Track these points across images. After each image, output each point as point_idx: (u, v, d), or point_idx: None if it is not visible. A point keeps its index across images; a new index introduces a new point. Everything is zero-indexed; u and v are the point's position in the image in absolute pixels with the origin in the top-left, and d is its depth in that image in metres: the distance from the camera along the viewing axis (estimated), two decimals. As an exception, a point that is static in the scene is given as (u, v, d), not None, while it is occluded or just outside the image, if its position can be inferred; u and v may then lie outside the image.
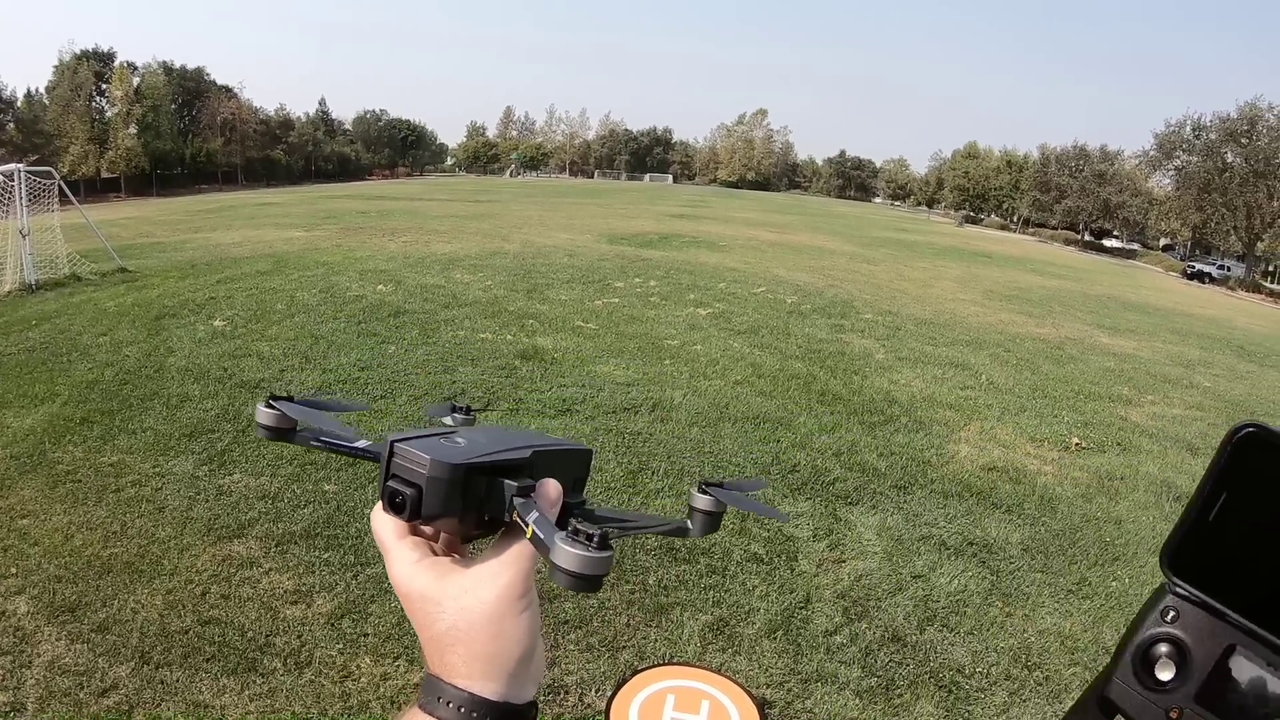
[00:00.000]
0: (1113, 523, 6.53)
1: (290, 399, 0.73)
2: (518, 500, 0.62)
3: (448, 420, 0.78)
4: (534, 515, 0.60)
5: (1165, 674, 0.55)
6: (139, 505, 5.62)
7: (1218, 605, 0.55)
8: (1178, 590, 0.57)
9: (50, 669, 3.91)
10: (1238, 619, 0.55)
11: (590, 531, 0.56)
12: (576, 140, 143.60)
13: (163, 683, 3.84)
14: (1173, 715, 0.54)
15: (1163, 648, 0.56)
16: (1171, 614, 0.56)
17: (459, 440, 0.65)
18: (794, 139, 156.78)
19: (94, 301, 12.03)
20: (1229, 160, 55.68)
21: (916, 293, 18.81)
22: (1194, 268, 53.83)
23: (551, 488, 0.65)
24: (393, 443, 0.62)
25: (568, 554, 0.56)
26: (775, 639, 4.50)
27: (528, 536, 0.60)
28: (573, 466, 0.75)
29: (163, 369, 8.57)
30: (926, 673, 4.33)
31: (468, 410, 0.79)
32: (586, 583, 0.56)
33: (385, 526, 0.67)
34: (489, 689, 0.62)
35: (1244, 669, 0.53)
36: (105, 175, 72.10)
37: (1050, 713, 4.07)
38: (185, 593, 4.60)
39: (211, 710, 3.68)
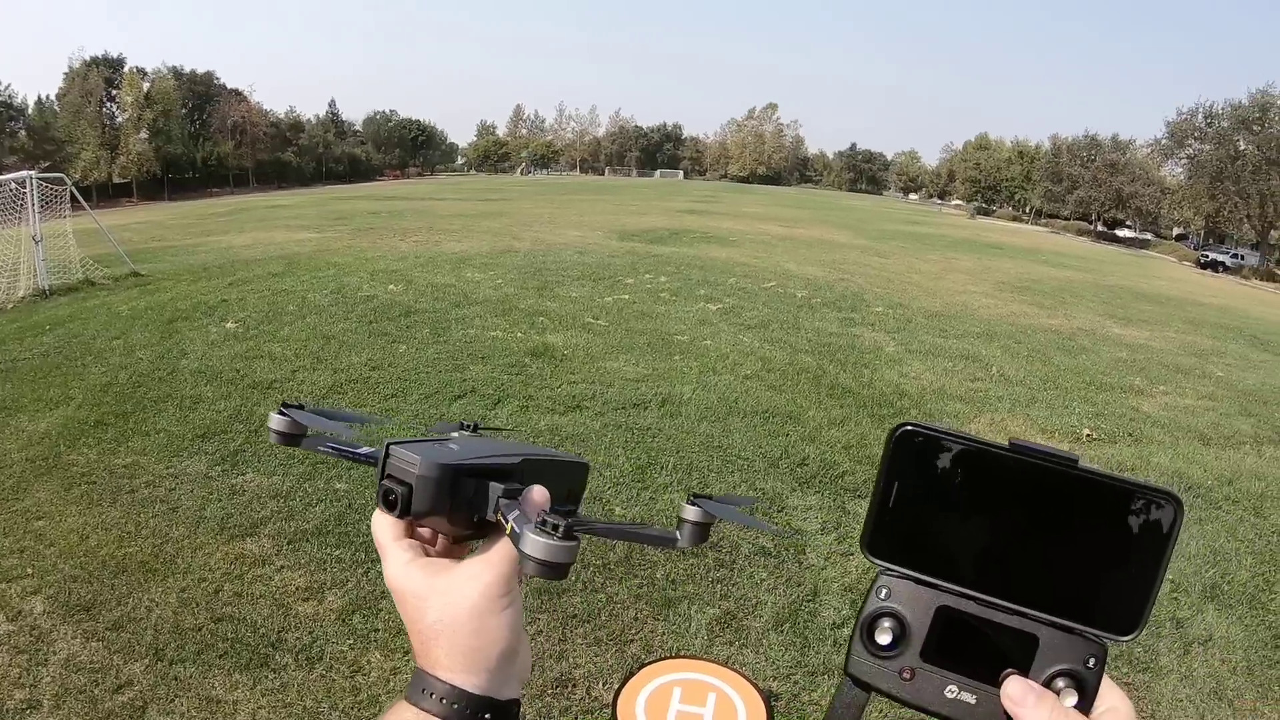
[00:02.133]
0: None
1: (301, 407, 0.79)
2: (502, 501, 0.66)
3: (454, 435, 0.81)
4: (515, 514, 0.64)
5: (884, 639, 0.63)
6: (153, 505, 5.68)
7: (918, 575, 0.64)
8: (885, 571, 0.65)
9: (66, 667, 3.97)
10: (937, 582, 0.63)
11: (556, 522, 0.61)
12: (586, 137, 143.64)
13: (176, 679, 3.89)
14: (905, 675, 0.62)
15: (885, 621, 0.63)
16: (885, 591, 0.64)
17: (452, 446, 0.70)
18: (804, 133, 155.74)
19: (107, 305, 12.13)
20: (1241, 148, 55.05)
21: (928, 285, 18.74)
22: (1207, 257, 53.20)
23: (537, 493, 0.69)
24: (389, 445, 0.67)
25: (534, 542, 0.60)
26: (782, 632, 4.52)
27: (507, 533, 0.64)
28: (566, 478, 0.80)
29: (176, 371, 8.64)
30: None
31: (475, 427, 0.84)
32: (552, 570, 0.61)
33: (383, 528, 0.71)
34: (471, 682, 0.65)
35: (955, 622, 0.62)
36: (117, 180, 72.72)
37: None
38: (198, 590, 4.65)
39: (224, 706, 3.73)
